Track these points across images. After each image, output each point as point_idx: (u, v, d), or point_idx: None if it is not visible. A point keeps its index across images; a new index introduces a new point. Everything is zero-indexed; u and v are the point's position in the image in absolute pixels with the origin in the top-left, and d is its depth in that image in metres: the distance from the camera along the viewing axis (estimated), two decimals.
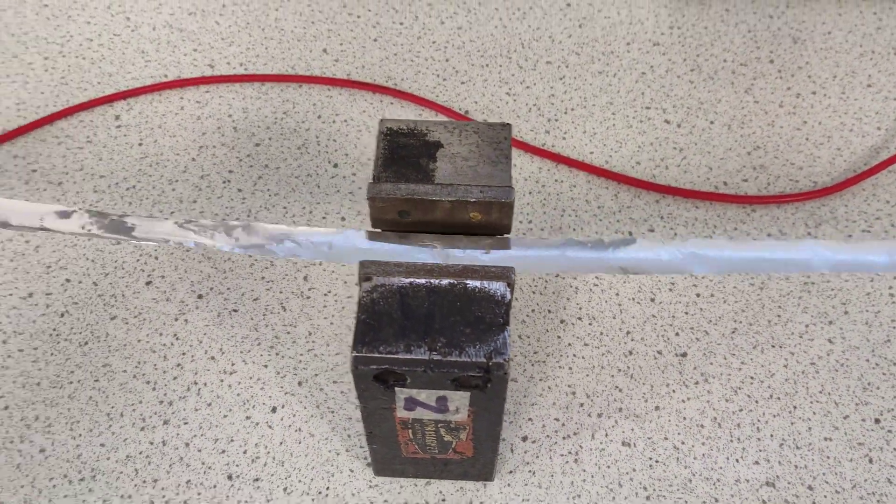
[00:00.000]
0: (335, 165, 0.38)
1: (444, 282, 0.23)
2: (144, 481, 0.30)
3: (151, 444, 0.31)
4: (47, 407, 0.31)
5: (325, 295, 0.35)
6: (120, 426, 0.31)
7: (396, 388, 0.23)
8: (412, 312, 0.23)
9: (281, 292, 0.35)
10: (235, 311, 0.34)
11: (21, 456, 0.30)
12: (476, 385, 0.23)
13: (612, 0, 0.45)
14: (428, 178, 0.25)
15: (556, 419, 0.32)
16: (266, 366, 0.33)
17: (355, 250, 0.25)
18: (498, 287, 0.23)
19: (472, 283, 0.23)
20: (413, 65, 0.42)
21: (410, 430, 0.26)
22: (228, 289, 0.35)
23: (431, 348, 0.22)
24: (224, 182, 0.38)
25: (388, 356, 0.22)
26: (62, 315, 0.34)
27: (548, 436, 0.32)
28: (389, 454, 0.28)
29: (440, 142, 0.26)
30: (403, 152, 0.26)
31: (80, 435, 0.31)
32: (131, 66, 0.41)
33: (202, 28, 0.43)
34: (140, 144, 0.39)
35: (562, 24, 0.44)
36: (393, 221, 0.26)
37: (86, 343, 0.33)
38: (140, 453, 0.30)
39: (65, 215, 0.26)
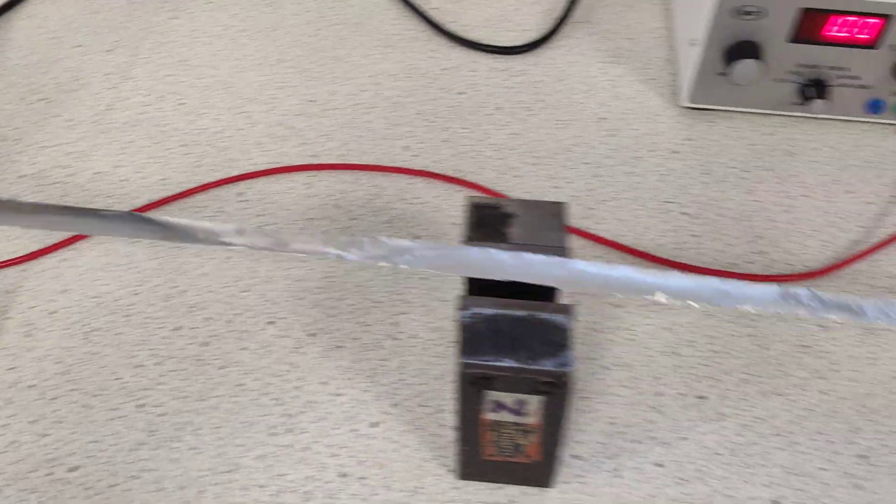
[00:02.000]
0: (416, 237, 0.47)
1: (522, 312, 0.32)
2: (276, 475, 0.37)
3: (279, 446, 0.38)
4: (196, 415, 0.39)
5: (412, 338, 0.43)
6: (254, 431, 0.39)
7: (487, 391, 0.31)
8: (500, 334, 0.31)
9: (377, 334, 0.43)
10: (340, 347, 0.42)
11: (177, 452, 0.38)
12: (548, 391, 0.31)
13: (636, 117, 0.55)
14: (504, 239, 0.34)
15: (601, 443, 0.39)
16: (367, 391, 0.41)
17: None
18: (562, 318, 0.32)
19: (542, 315, 0.32)
20: (476, 161, 0.52)
21: (492, 432, 0.34)
22: (336, 329, 0.43)
23: (517, 359, 0.30)
24: None
25: (486, 363, 0.30)
26: (204, 345, 0.42)
27: (594, 455, 0.39)
28: (473, 455, 0.35)
29: (513, 213, 0.35)
30: (486, 220, 0.35)
31: (223, 437, 0.38)
32: (251, 154, 0.51)
33: (307, 126, 0.53)
34: (259, 216, 0.48)
35: (597, 134, 0.54)
36: None
37: (224, 367, 0.41)
38: (270, 454, 0.38)
39: (240, 232, 0.34)
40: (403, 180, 0.50)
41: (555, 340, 0.31)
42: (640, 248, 0.48)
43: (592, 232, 0.48)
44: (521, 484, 0.37)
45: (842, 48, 0.50)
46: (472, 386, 0.31)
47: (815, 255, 0.48)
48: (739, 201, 0.50)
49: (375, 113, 0.54)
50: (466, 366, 0.30)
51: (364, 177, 0.51)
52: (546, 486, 0.37)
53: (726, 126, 0.55)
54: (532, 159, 0.52)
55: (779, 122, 0.55)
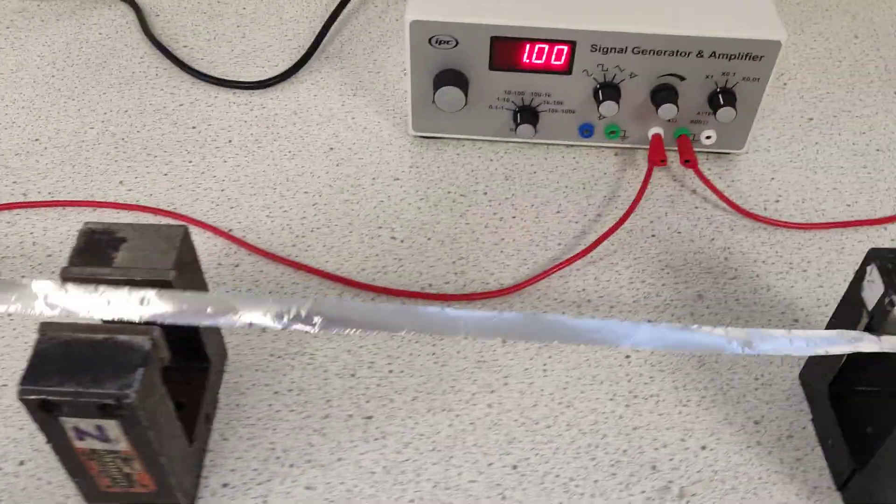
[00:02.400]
0: None
1: (101, 336, 0.32)
2: None
3: None
4: None
5: None
6: None
7: (61, 418, 0.31)
8: (72, 358, 0.31)
9: None
10: (5, 385, 0.42)
11: None
12: (119, 414, 0.31)
13: (367, 146, 0.57)
14: (109, 264, 0.34)
15: (255, 469, 0.40)
16: (23, 429, 0.40)
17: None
18: (140, 340, 0.32)
19: (121, 338, 0.32)
20: (193, 193, 0.52)
21: (94, 462, 0.34)
22: (2, 367, 0.42)
23: (79, 383, 0.31)
24: None
25: (46, 388, 0.30)
26: None
27: (245, 483, 0.39)
28: (90, 488, 0.35)
29: (126, 238, 0.35)
30: (96, 245, 0.35)
31: None
32: None
33: (24, 165, 0.53)
34: None
35: (323, 164, 0.55)
36: None
37: None
38: None
39: None
40: (111, 215, 0.51)
41: (127, 362, 0.31)
42: (342, 275, 0.49)
43: (297, 260, 0.49)
44: None
45: (541, 75, 0.53)
46: (42, 412, 0.31)
47: (512, 273, 0.49)
48: (450, 224, 0.52)
49: (98, 149, 0.55)
50: (23, 391, 0.30)
51: (71, 213, 0.51)
52: None
53: (454, 153, 0.57)
54: (252, 190, 0.53)
55: (504, 148, 0.57)
